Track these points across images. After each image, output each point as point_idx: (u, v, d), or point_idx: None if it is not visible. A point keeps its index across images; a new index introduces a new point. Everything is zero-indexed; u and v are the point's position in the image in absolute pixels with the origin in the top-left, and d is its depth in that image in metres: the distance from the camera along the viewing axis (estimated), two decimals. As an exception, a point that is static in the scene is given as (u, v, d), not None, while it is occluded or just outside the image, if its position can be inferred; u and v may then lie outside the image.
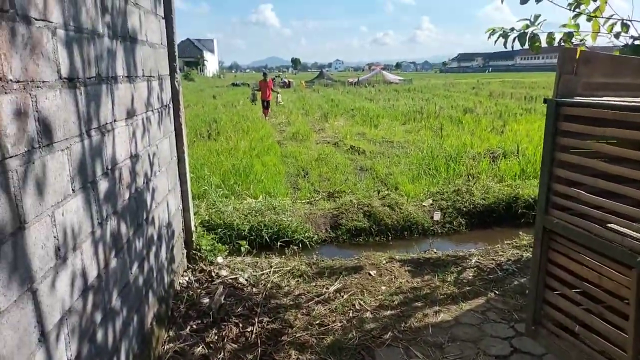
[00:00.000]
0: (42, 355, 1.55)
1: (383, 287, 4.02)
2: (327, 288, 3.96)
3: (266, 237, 5.40)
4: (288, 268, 4.32)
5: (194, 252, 4.13)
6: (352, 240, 5.78)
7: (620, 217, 2.02)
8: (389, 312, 3.58)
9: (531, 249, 4.28)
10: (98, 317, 2.04)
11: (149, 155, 2.92)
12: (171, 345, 2.98)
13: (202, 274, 3.98)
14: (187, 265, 4.06)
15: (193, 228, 4.16)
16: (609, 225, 2.10)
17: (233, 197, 6.61)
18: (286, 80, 42.36)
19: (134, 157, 2.62)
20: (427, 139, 11.49)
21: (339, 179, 7.79)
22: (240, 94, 30.12)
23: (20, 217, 1.44)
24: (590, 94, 2.39)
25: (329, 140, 12.12)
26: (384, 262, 4.58)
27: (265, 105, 17.14)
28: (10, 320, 1.37)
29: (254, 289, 3.85)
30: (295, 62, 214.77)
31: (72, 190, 1.81)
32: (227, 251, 4.66)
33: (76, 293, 1.83)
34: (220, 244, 4.56)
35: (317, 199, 6.87)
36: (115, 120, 2.31)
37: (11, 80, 1.40)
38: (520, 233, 5.40)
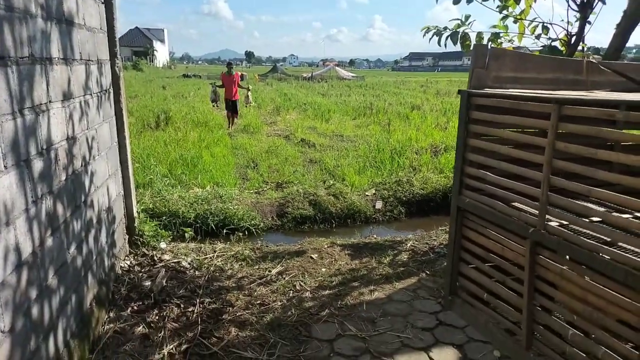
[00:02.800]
0: (-27, 322, 1.61)
1: (323, 269, 4.22)
2: (269, 271, 4.10)
3: (212, 225, 5.47)
4: (232, 253, 4.43)
5: (136, 237, 4.15)
6: (298, 227, 5.95)
7: (523, 196, 2.30)
8: (327, 292, 3.77)
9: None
10: (33, 293, 2.09)
11: (87, 139, 2.94)
12: (111, 325, 3.03)
13: (145, 258, 4.02)
14: (129, 250, 4.07)
15: (135, 214, 4.17)
16: (513, 203, 2.38)
17: (180, 187, 6.59)
18: (239, 74, 41.82)
19: (71, 139, 2.65)
20: (376, 133, 11.83)
21: (288, 171, 7.93)
22: (191, 85, 29.47)
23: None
24: (500, 86, 2.67)
25: (280, 133, 12.22)
26: (326, 246, 4.78)
27: (231, 106, 12.62)
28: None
29: (197, 272, 3.94)
30: (249, 55, 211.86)
31: (5, 166, 1.85)
32: (171, 237, 4.70)
33: (9, 267, 1.88)
34: (164, 231, 4.59)
35: (265, 189, 6.99)
36: (50, 101, 2.34)
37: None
38: (454, 220, 5.76)
